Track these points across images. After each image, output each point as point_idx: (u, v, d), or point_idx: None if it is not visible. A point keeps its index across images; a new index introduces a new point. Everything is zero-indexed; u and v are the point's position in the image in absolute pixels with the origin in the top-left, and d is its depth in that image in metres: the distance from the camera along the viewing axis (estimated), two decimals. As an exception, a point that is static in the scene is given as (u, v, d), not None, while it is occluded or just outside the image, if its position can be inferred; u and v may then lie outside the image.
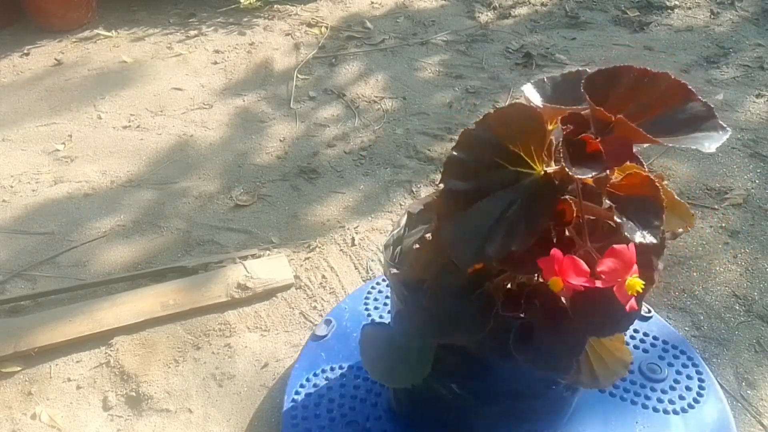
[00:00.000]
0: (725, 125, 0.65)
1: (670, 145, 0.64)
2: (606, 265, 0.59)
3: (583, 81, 0.66)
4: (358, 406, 0.99)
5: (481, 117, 0.66)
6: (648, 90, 0.66)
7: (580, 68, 0.74)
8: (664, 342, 1.09)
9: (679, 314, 1.22)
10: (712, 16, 2.31)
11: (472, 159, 0.66)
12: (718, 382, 1.05)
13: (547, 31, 2.25)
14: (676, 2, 2.40)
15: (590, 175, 0.61)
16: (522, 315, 0.67)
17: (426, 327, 0.71)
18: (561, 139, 0.63)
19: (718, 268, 1.31)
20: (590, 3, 2.43)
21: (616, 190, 0.65)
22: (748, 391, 1.08)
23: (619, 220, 0.61)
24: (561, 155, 0.62)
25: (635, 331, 1.11)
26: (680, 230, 0.72)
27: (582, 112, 0.66)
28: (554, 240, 0.66)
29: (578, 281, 0.60)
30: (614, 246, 0.59)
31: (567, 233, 0.66)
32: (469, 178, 0.66)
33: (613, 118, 0.63)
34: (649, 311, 1.14)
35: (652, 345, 1.09)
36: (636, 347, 1.08)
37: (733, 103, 1.82)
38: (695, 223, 1.42)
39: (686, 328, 1.19)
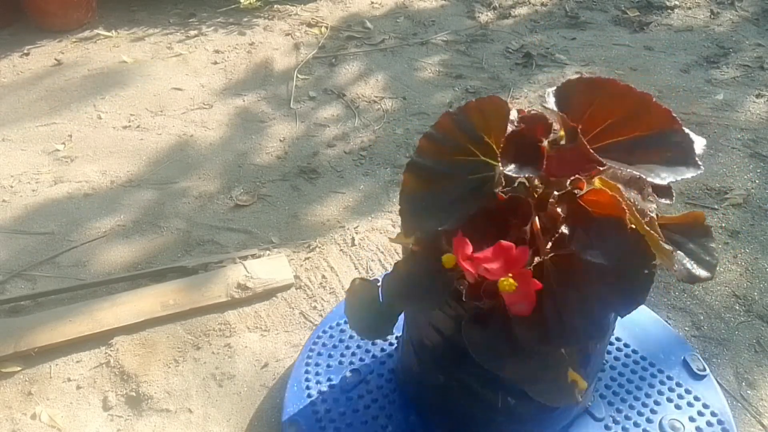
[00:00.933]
0: (700, 164, 0.63)
1: (625, 170, 0.63)
2: (484, 255, 0.59)
3: (555, 90, 0.66)
4: (368, 360, 1.06)
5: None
6: (629, 108, 0.65)
7: (584, 73, 0.74)
8: (705, 405, 0.98)
9: (679, 314, 1.22)
10: (712, 16, 2.31)
11: (448, 142, 0.67)
12: (718, 382, 1.05)
13: (547, 31, 2.25)
14: (676, 2, 2.40)
15: (524, 176, 0.61)
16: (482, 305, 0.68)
17: (393, 289, 0.73)
18: (506, 135, 0.64)
19: (718, 268, 1.31)
20: (590, 3, 2.43)
21: (587, 204, 0.64)
22: (748, 391, 1.08)
23: (566, 232, 0.61)
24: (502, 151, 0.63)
25: (677, 384, 1.01)
26: (704, 274, 0.69)
27: (548, 117, 0.66)
28: (512, 238, 0.66)
29: (464, 264, 0.60)
30: (501, 242, 0.59)
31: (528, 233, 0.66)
32: (441, 159, 0.67)
33: (578, 128, 0.62)
34: (704, 369, 1.03)
35: (689, 404, 0.99)
36: (669, 399, 0.99)
37: (733, 103, 1.82)
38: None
39: (686, 328, 1.19)
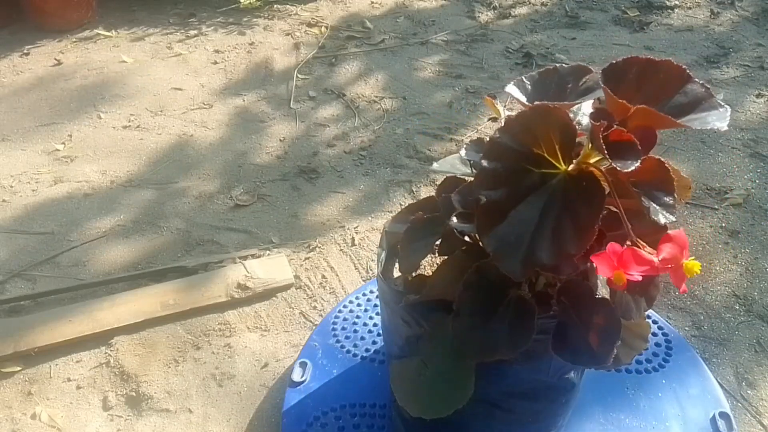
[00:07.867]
0: (723, 103, 0.65)
1: (688, 125, 0.64)
2: (666, 251, 0.60)
3: (601, 75, 0.67)
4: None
5: (487, 118, 0.67)
6: (651, 79, 0.66)
7: (560, 65, 0.75)
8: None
9: (679, 314, 1.22)
10: (712, 16, 2.31)
11: (501, 167, 0.65)
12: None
13: (547, 31, 2.25)
14: (676, 2, 2.40)
15: (632, 167, 0.59)
16: (552, 315, 0.67)
17: (466, 348, 0.68)
18: (592, 134, 0.62)
19: (718, 268, 1.31)
20: (590, 3, 2.43)
21: (634, 178, 0.64)
22: (748, 391, 1.08)
23: (646, 204, 0.61)
24: (594, 150, 0.61)
25: None
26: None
27: (596, 106, 0.67)
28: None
29: (640, 270, 0.60)
30: (669, 232, 0.61)
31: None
32: (499, 187, 0.64)
33: (632, 108, 0.63)
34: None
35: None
36: None
37: (733, 103, 1.82)
38: (695, 222, 1.42)
39: (686, 328, 1.19)
